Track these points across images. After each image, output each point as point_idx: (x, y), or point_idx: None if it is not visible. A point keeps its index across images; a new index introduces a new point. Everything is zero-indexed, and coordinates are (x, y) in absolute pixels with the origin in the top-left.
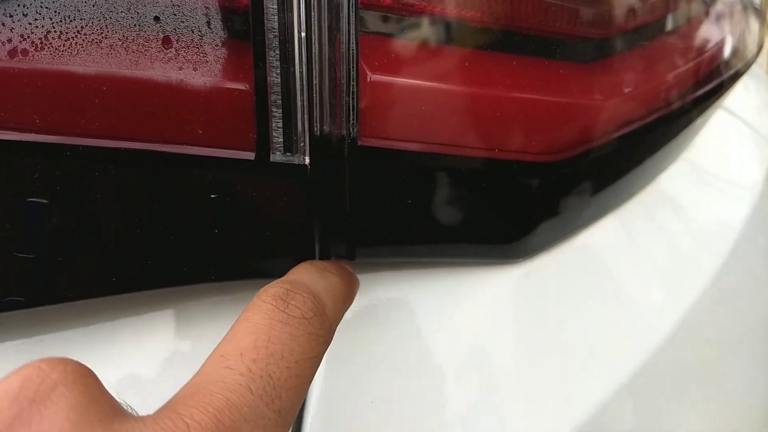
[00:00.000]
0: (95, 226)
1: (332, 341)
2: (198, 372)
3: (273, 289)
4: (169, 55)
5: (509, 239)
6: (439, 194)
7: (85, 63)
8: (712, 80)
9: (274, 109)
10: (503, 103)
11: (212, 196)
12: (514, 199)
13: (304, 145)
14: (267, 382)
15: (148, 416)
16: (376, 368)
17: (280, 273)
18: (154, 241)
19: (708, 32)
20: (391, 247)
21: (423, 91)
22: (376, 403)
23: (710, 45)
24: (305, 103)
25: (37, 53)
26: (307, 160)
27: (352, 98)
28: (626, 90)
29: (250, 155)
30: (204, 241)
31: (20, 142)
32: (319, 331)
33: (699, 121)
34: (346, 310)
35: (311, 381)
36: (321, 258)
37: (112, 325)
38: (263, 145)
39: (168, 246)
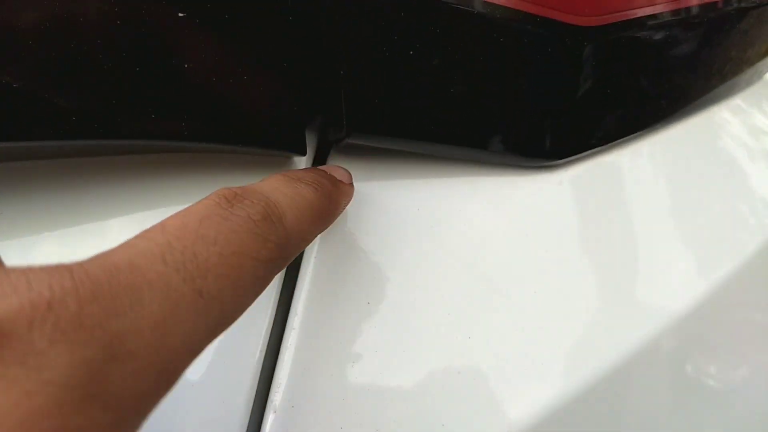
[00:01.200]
0: None
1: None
2: None
3: (223, 190)
4: None
5: (542, 130)
6: (452, 43)
7: None
8: None
9: None
10: None
11: None
12: (548, 67)
13: None
14: (189, 258)
15: (38, 266)
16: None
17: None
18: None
19: None
20: (393, 124)
21: None
22: (379, 309)
23: None
24: None
25: None
26: None
27: None
28: None
29: None
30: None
31: None
32: (269, 236)
33: None
34: (322, 227)
35: (256, 289)
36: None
37: None
38: None
39: None
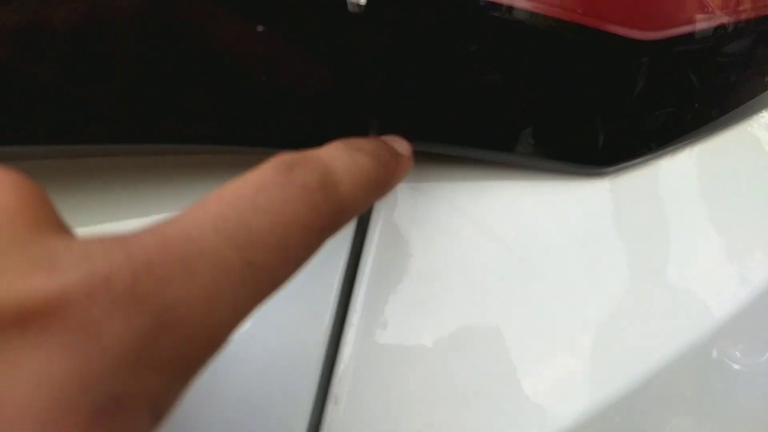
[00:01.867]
0: None
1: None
2: None
3: (282, 156)
4: None
5: (595, 137)
6: (505, 56)
7: None
8: None
9: None
10: None
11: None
12: (604, 79)
13: None
14: (240, 228)
15: (97, 238)
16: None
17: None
18: None
19: None
20: (451, 131)
21: None
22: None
23: None
24: None
25: None
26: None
27: None
28: None
29: None
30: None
31: None
32: (323, 206)
33: None
34: (376, 195)
35: (305, 256)
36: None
37: None
38: None
39: None
